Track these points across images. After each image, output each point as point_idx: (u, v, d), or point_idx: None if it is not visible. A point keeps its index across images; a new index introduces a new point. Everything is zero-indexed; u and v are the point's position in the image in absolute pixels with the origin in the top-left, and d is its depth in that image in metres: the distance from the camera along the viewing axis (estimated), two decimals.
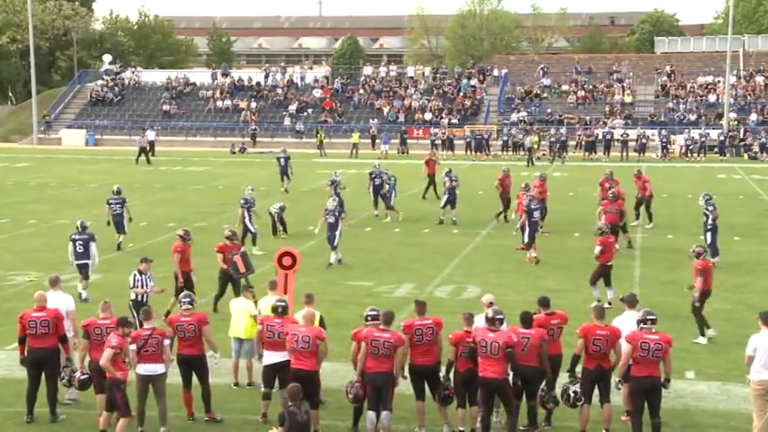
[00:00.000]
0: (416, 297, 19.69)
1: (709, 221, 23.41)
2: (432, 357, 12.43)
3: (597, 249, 19.36)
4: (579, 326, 12.49)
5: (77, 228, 20.37)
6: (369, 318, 12.39)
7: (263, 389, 13.03)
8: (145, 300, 15.74)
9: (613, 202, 24.69)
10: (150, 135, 58.39)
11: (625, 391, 12.19)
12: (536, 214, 24.53)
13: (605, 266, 19.36)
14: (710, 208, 23.52)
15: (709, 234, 23.47)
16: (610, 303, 18.76)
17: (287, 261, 15.24)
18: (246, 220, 25.69)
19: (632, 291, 20.41)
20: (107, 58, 79.25)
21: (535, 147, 53.79)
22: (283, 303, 13.03)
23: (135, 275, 16.17)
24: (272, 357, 12.79)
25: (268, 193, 36.79)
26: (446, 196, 30.30)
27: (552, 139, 55.43)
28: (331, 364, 13.83)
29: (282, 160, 39.32)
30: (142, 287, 15.94)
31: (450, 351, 12.35)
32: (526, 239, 24.29)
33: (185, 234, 19.01)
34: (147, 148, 53.41)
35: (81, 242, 20.11)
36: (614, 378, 12.24)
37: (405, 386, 13.16)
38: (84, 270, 20.15)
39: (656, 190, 38.76)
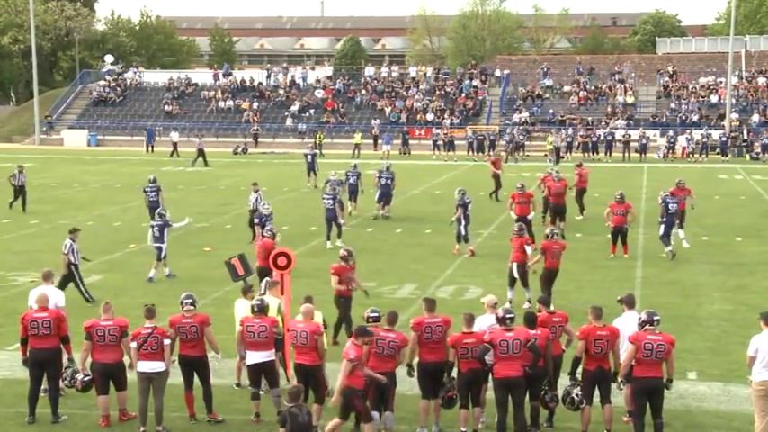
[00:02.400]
0: (418, 297, 19.79)
1: (664, 216, 24.48)
2: (440, 355, 12.47)
3: (529, 250, 19.24)
4: (580, 327, 12.49)
5: (156, 215, 23.00)
6: (370, 319, 12.44)
7: (250, 389, 13.08)
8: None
9: (621, 204, 24.69)
10: (174, 136, 58.72)
11: (627, 392, 12.19)
12: (469, 208, 25.14)
13: (522, 266, 19.29)
14: (672, 202, 24.68)
15: (663, 226, 24.52)
16: (511, 302, 18.61)
17: (282, 261, 15.25)
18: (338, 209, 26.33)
19: (633, 291, 20.47)
20: (109, 58, 79.31)
21: (552, 149, 54.06)
22: (260, 302, 13.07)
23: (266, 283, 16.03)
24: (254, 357, 12.85)
25: (268, 194, 36.76)
26: (379, 192, 31.08)
27: (507, 139, 55.77)
28: (332, 364, 13.82)
29: (310, 157, 40.54)
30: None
31: (451, 353, 12.37)
32: (462, 232, 24.94)
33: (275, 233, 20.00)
34: (203, 149, 52.62)
35: (157, 228, 22.43)
36: (618, 379, 12.22)
37: (406, 386, 13.17)
38: (158, 252, 22.27)
39: (657, 191, 38.84)
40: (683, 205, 26.19)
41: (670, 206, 24.65)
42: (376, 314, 12.50)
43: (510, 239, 19.69)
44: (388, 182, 31.11)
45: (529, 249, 19.36)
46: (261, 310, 12.95)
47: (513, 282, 19.37)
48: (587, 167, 33.40)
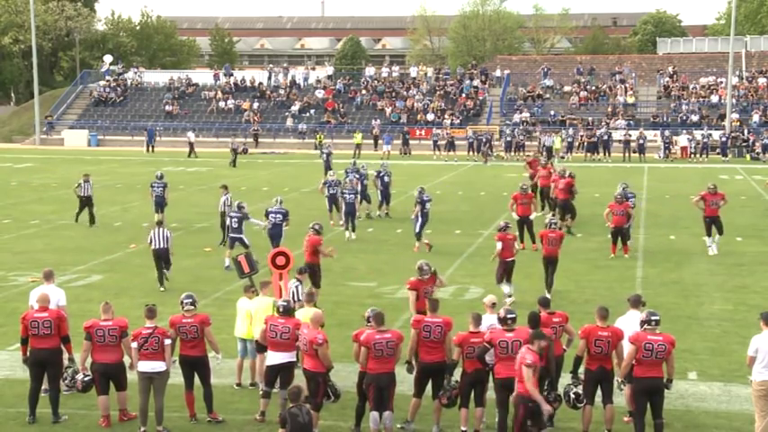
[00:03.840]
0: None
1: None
2: (438, 355, 12.47)
3: (498, 246, 19.74)
4: (581, 327, 12.50)
5: (235, 208, 23.81)
6: (370, 319, 12.43)
7: (263, 388, 13.07)
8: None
9: (620, 204, 24.73)
10: (191, 136, 58.88)
11: (628, 392, 12.18)
12: (427, 205, 25.66)
13: (506, 262, 19.77)
14: (630, 196, 25.80)
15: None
16: (510, 296, 19.42)
17: (280, 261, 15.26)
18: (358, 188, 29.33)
19: (635, 292, 20.49)
20: (108, 58, 79.28)
21: (559, 148, 54.11)
22: (285, 303, 13.03)
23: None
24: (275, 358, 12.81)
25: (269, 194, 36.76)
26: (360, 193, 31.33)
27: (482, 139, 55.73)
28: (333, 363, 13.79)
29: (325, 155, 42.18)
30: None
31: (456, 352, 12.37)
32: (417, 229, 25.76)
33: (320, 228, 19.94)
34: (239, 149, 52.76)
35: (236, 219, 23.33)
36: (617, 379, 12.22)
37: (406, 386, 13.17)
38: (238, 242, 23.05)
39: (657, 191, 38.88)
40: (716, 211, 25.17)
41: (629, 200, 25.59)
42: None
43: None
44: (365, 182, 31.65)
45: (498, 245, 19.80)
46: (286, 311, 12.91)
47: (500, 277, 19.93)
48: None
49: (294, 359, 12.92)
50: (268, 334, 12.81)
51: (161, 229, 21.46)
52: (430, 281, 15.46)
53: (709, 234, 25.30)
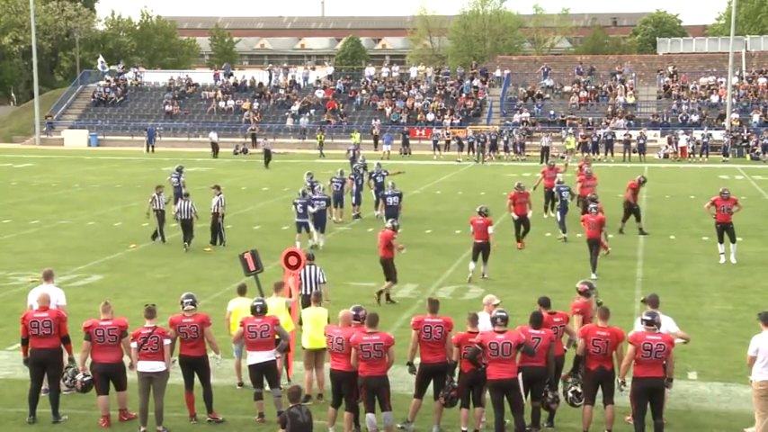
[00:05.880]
0: (419, 297, 19.86)
1: (559, 202, 27.38)
2: (439, 355, 12.45)
3: (471, 229, 21.65)
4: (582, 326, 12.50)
5: (299, 194, 25.40)
6: (357, 316, 12.41)
7: (253, 389, 13.08)
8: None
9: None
10: (213, 136, 58.83)
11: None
12: (389, 200, 27.03)
13: (475, 243, 21.58)
14: (563, 190, 27.34)
15: (558, 213, 27.29)
16: (484, 275, 21.75)
17: (292, 261, 15.26)
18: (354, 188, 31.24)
19: (635, 292, 20.49)
20: (100, 60, 79.02)
21: (573, 148, 54.16)
22: (261, 303, 13.04)
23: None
24: (255, 357, 12.84)
25: (270, 194, 36.78)
26: (355, 195, 31.94)
27: (480, 139, 55.64)
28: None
29: (351, 152, 43.95)
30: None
31: (455, 352, 12.35)
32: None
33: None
34: (270, 149, 52.55)
35: (300, 205, 24.93)
36: (617, 379, 12.21)
37: (407, 386, 13.15)
38: (303, 227, 25.06)
39: (657, 191, 38.86)
40: (728, 217, 23.92)
41: (563, 194, 27.27)
42: (356, 312, 12.48)
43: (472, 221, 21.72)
44: (338, 187, 31.18)
45: (471, 228, 21.56)
46: (262, 310, 12.95)
47: (476, 256, 21.67)
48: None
49: (275, 357, 12.96)
50: (247, 335, 12.82)
51: (187, 202, 25.30)
52: (591, 305, 13.83)
53: (720, 241, 24.29)
